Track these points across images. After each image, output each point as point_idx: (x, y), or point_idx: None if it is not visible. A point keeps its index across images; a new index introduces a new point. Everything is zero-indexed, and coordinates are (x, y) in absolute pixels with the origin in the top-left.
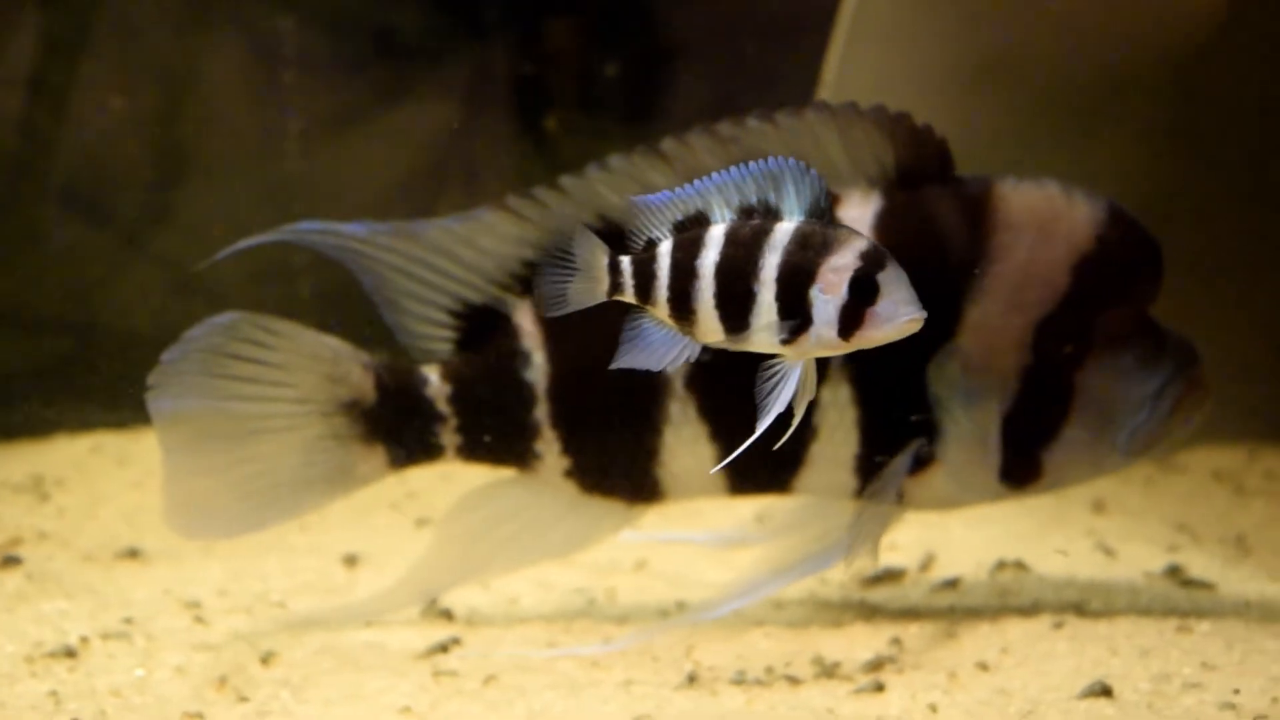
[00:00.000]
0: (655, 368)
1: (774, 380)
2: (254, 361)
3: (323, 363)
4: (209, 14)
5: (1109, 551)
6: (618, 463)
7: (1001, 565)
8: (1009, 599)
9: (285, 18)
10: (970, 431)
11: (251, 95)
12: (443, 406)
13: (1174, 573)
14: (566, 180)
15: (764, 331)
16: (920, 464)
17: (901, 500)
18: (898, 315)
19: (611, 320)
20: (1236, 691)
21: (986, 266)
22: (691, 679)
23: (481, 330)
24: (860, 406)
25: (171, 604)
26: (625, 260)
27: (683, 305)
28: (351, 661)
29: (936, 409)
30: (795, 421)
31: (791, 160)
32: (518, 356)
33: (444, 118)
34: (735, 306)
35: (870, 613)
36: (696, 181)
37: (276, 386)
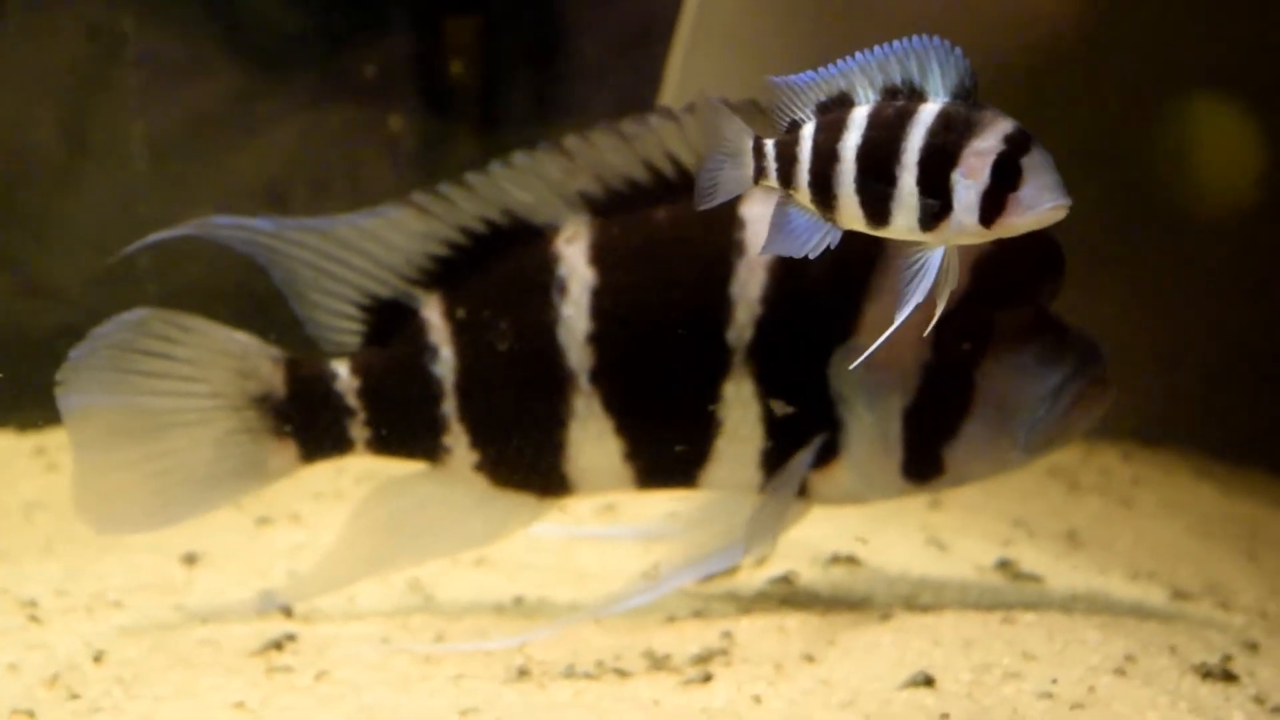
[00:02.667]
0: (798, 254)
1: (915, 269)
2: (164, 357)
3: (232, 358)
4: (55, 13)
5: (942, 546)
6: (526, 457)
7: (835, 559)
8: (841, 593)
9: (133, 17)
10: (872, 428)
11: (101, 96)
12: (352, 400)
13: (1005, 566)
14: (471, 176)
15: (905, 217)
16: (824, 459)
17: (806, 496)
18: (1041, 202)
19: (518, 315)
20: (1054, 681)
21: (885, 263)
22: (522, 673)
23: (391, 325)
24: (764, 402)
25: (8, 603)
26: (769, 144)
27: (824, 190)
28: (184, 659)
29: (839, 406)
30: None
31: (937, 39)
32: (425, 351)
33: (305, 120)
34: (876, 191)
35: (704, 607)
36: (840, 61)
37: (187, 382)
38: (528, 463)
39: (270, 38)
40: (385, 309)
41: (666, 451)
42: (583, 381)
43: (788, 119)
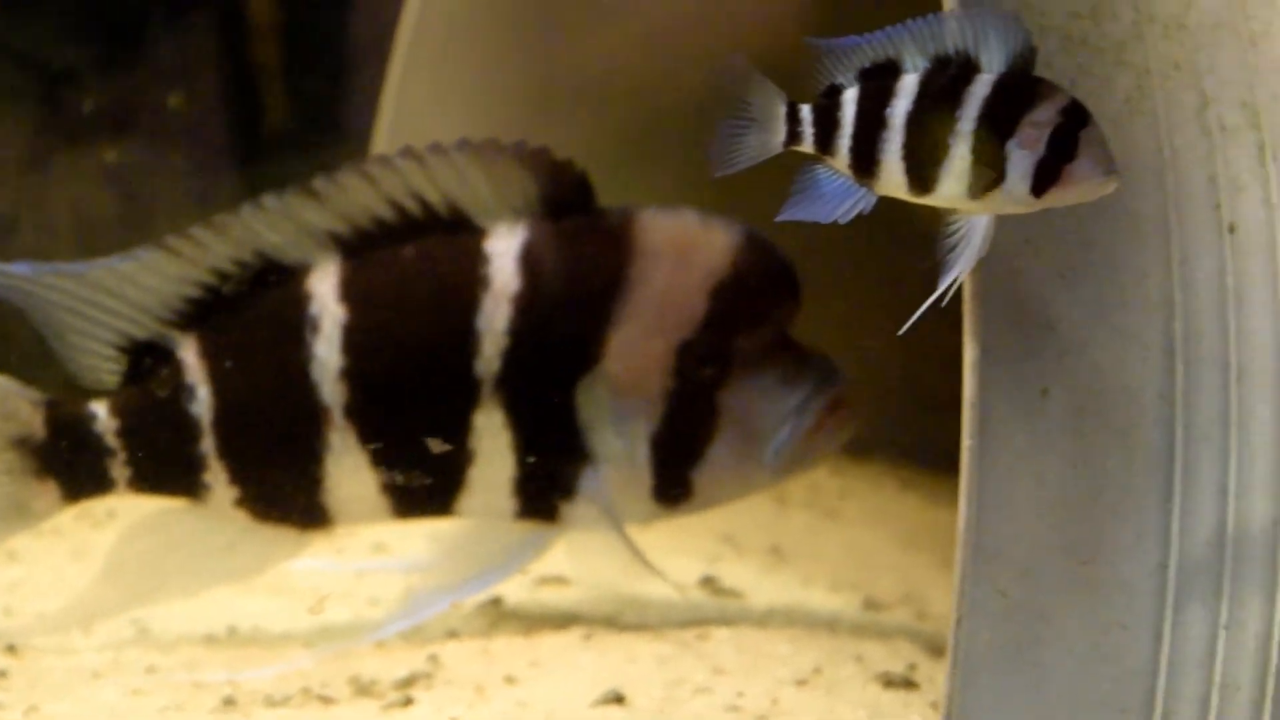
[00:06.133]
0: (826, 219)
1: (958, 236)
2: None
3: None
4: None
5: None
6: (285, 492)
7: (543, 581)
8: (547, 613)
9: None
10: (621, 453)
11: None
12: (112, 441)
13: (708, 583)
14: (222, 218)
15: (954, 185)
16: (596, 483)
17: (558, 522)
18: (1094, 175)
19: (272, 354)
20: (741, 694)
21: (627, 293)
22: (228, 703)
23: (149, 365)
24: (513, 431)
25: None
26: (806, 108)
27: (866, 156)
28: None
29: (588, 432)
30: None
31: (995, 9)
32: (183, 391)
33: (25, 158)
34: (925, 158)
35: (414, 632)
36: (889, 28)
37: None
38: (287, 497)
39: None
40: (143, 350)
41: (422, 482)
42: (337, 416)
43: (826, 83)
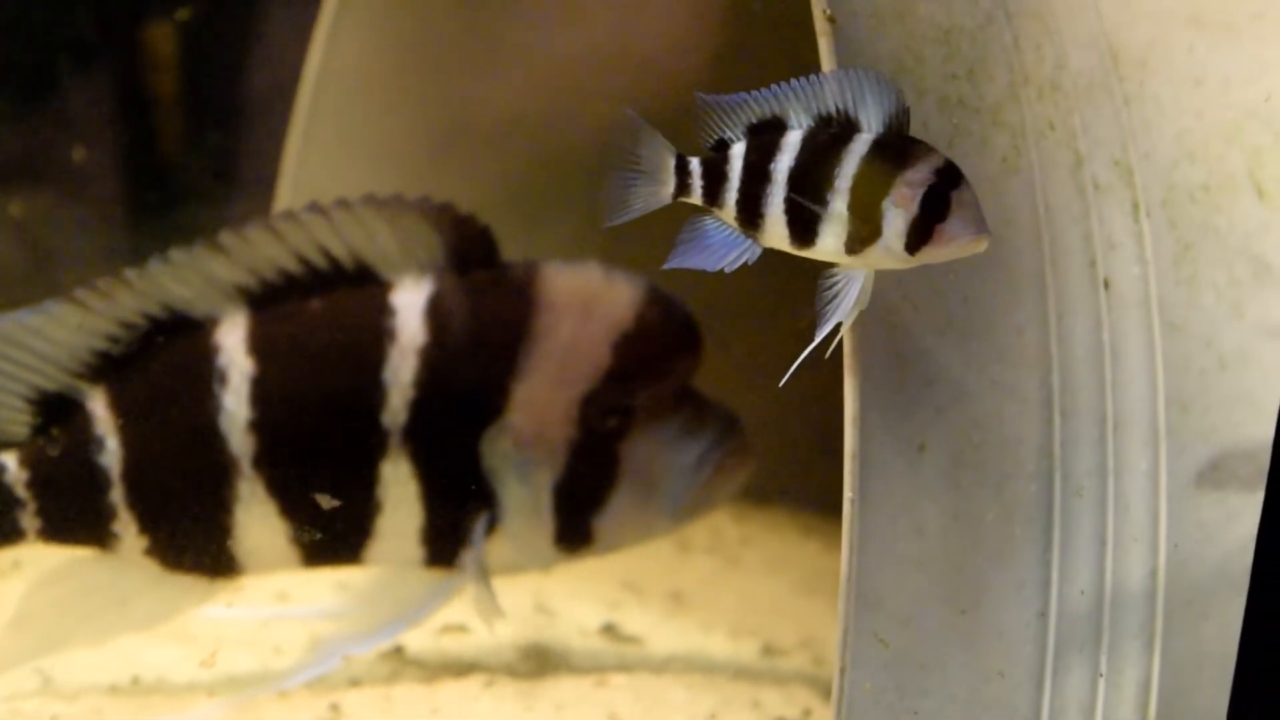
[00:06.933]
0: (712, 268)
1: (835, 289)
2: None
3: None
4: None
5: (551, 612)
6: (194, 541)
7: (446, 629)
8: (449, 661)
9: None
10: (525, 501)
11: None
12: (21, 491)
13: (608, 630)
14: (129, 272)
15: (832, 240)
16: (482, 532)
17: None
18: (965, 234)
19: (180, 406)
20: None
21: (531, 346)
22: None
23: (58, 417)
24: (420, 480)
25: None
26: (694, 161)
27: (751, 209)
28: None
29: (492, 481)
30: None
31: (872, 71)
32: (92, 442)
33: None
34: (806, 213)
35: (317, 681)
36: (774, 85)
37: None
38: (197, 546)
39: None
40: (52, 402)
41: (330, 531)
42: (245, 467)
43: (714, 138)
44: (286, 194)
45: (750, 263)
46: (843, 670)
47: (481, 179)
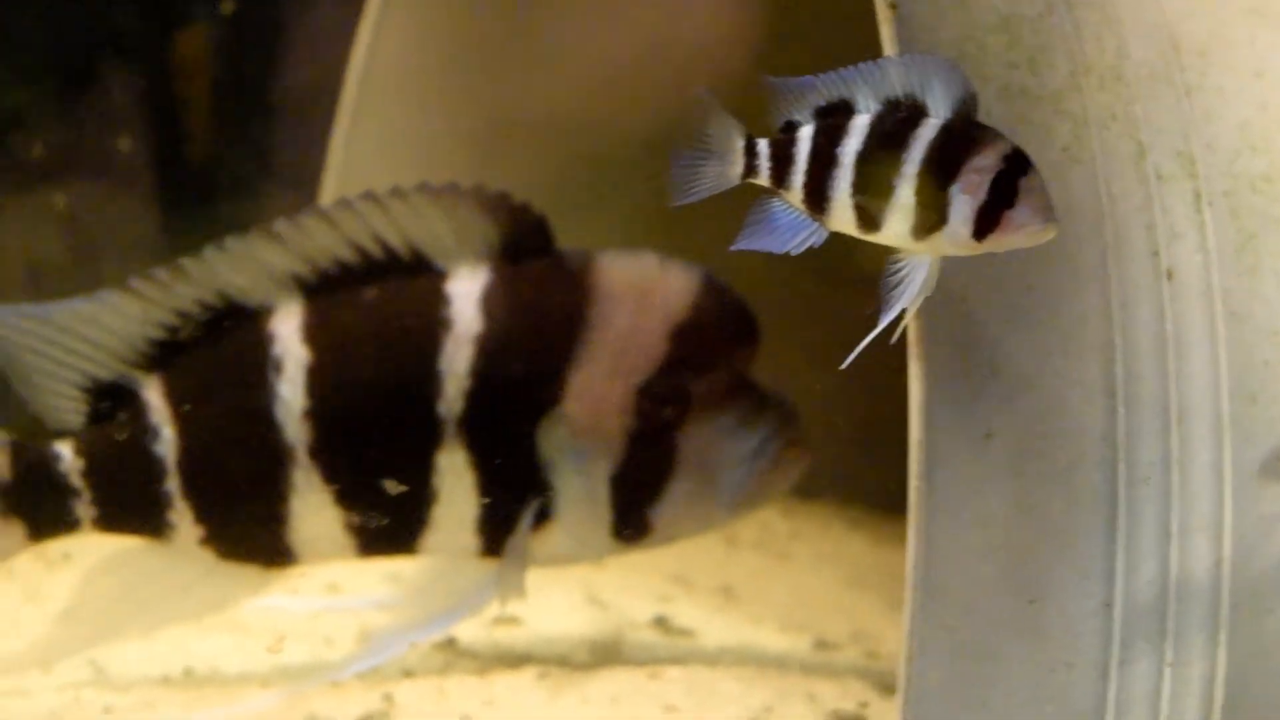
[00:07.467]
0: (779, 250)
1: (901, 275)
2: None
3: None
4: None
5: (603, 605)
6: (250, 530)
7: (498, 621)
8: (501, 653)
9: None
10: (581, 491)
11: None
12: (76, 481)
13: (659, 622)
14: (185, 261)
15: (898, 225)
16: (537, 523)
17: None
18: (1033, 222)
19: (236, 394)
20: None
21: (587, 335)
22: None
23: (114, 406)
24: (476, 470)
25: None
26: (763, 143)
27: (818, 192)
28: None
29: (548, 471)
30: None
31: (939, 56)
32: (147, 431)
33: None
34: (872, 197)
35: (369, 672)
36: (841, 69)
37: None
38: (252, 536)
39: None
40: (107, 391)
41: (386, 521)
42: (301, 456)
43: (784, 119)
44: (332, 187)
45: (816, 246)
46: (909, 658)
47: (525, 175)
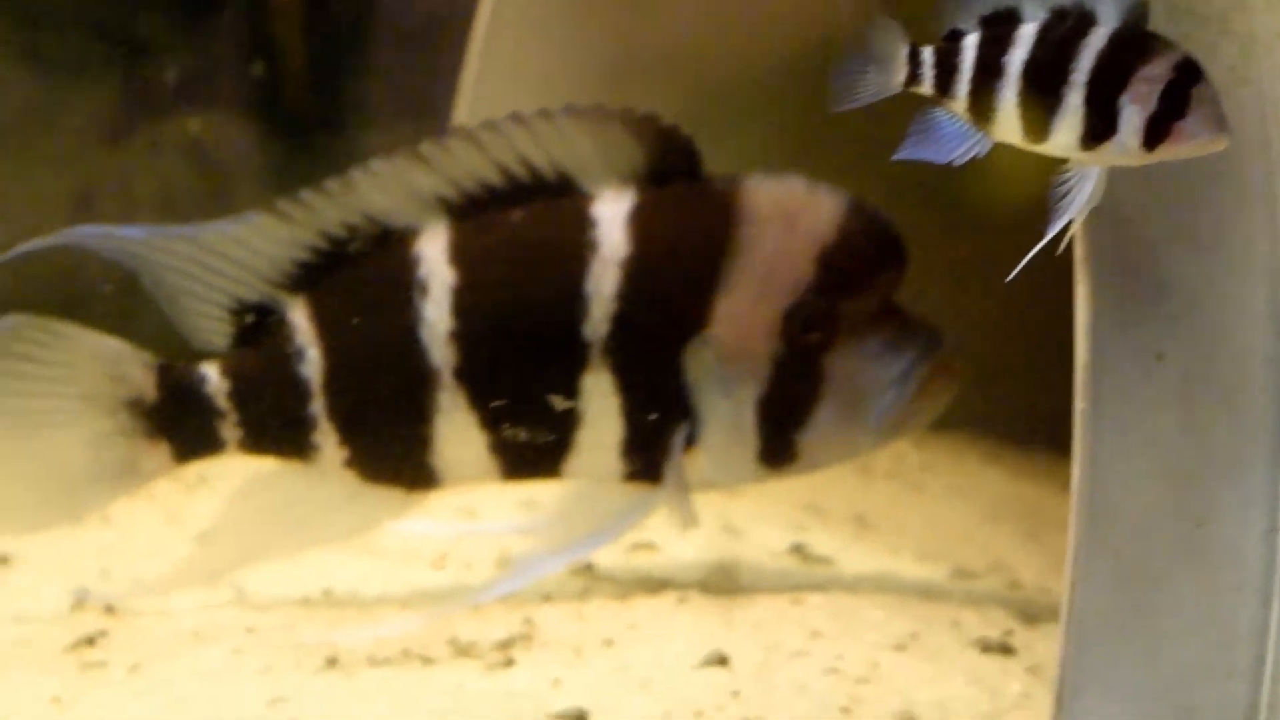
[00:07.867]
0: (943, 160)
1: (1068, 187)
2: (37, 361)
3: (104, 362)
4: None
5: (738, 532)
6: (394, 453)
7: (635, 547)
8: (639, 579)
9: None
10: (727, 416)
11: None
12: (222, 403)
13: (797, 550)
14: (331, 183)
15: (1065, 135)
16: (683, 447)
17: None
18: (1204, 132)
19: (381, 316)
20: (840, 657)
21: (734, 258)
22: (330, 663)
23: (259, 327)
24: (621, 394)
25: None
26: (927, 50)
27: (983, 101)
28: None
29: (694, 395)
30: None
31: None
32: (293, 353)
33: (107, 129)
34: (1039, 107)
35: (509, 596)
36: None
37: (60, 384)
38: (396, 458)
39: (66, 47)
40: (253, 312)
41: (530, 444)
42: (446, 378)
43: (949, 27)
44: (463, 117)
45: (980, 156)
46: (1074, 584)
47: (655, 104)
